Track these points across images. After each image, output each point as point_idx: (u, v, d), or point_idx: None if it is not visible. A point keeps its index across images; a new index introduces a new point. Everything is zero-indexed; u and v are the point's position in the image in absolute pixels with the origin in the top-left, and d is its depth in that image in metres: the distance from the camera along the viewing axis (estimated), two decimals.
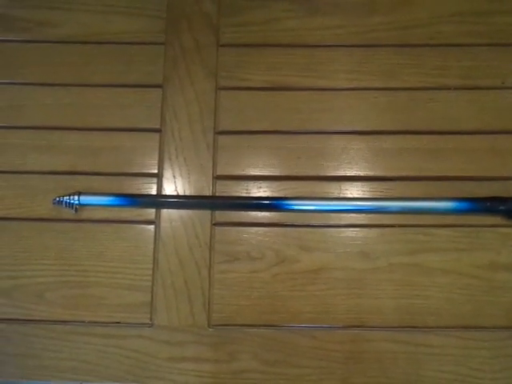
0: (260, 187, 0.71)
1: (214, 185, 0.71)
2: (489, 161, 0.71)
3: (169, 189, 0.71)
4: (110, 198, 0.70)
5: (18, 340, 0.68)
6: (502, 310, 0.67)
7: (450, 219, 0.70)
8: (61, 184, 0.72)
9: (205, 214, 0.70)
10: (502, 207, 0.68)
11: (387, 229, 0.70)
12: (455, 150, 0.71)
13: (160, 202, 0.71)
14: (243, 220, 0.70)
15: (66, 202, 0.69)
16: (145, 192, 0.72)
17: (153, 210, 0.71)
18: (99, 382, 0.67)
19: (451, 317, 0.67)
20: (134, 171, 0.72)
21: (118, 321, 0.69)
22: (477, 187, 0.70)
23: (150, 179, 0.72)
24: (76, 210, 0.70)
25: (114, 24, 0.76)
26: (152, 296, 0.69)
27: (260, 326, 0.68)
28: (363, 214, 0.70)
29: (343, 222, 0.70)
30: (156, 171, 0.72)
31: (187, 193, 0.71)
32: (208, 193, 0.71)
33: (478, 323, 0.67)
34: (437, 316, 0.67)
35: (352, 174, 0.71)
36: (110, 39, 0.76)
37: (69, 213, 0.70)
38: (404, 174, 0.71)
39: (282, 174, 0.72)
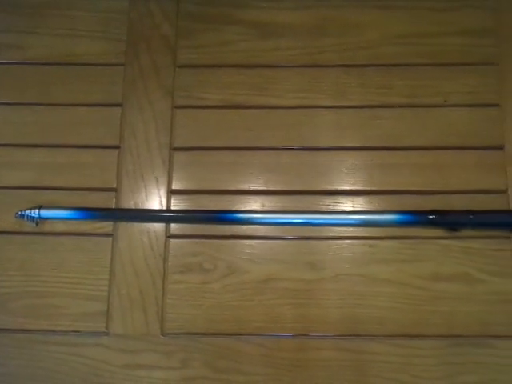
0: (212, 201, 0.75)
1: (168, 199, 0.75)
2: (432, 176, 0.74)
3: (126, 203, 0.75)
4: (70, 212, 0.73)
5: None
6: (442, 319, 0.70)
7: (395, 231, 0.72)
8: (25, 198, 0.75)
9: (160, 227, 0.74)
10: (443, 220, 0.71)
11: (334, 241, 0.73)
12: (400, 165, 0.75)
13: (117, 215, 0.75)
14: (196, 233, 0.74)
15: (27, 215, 0.73)
16: (104, 206, 0.75)
17: (111, 223, 0.74)
18: None
19: (394, 325, 0.70)
20: (94, 186, 0.76)
21: (76, 329, 0.71)
22: (420, 201, 0.73)
23: (108, 193, 0.75)
24: (37, 223, 0.73)
25: (78, 46, 0.80)
26: (108, 305, 0.72)
27: (211, 334, 0.71)
28: (310, 227, 0.73)
29: (292, 235, 0.73)
30: (115, 186, 0.75)
31: (143, 206, 0.75)
32: (163, 206, 0.75)
33: (419, 332, 0.70)
34: (380, 325, 0.70)
35: (301, 188, 0.74)
36: (73, 61, 0.80)
37: (31, 226, 0.73)
38: (351, 188, 0.74)
39: (235, 189, 0.75)
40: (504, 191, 0.73)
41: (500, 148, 0.74)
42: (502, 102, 0.76)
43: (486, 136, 0.75)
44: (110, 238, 0.74)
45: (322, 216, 0.73)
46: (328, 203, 0.74)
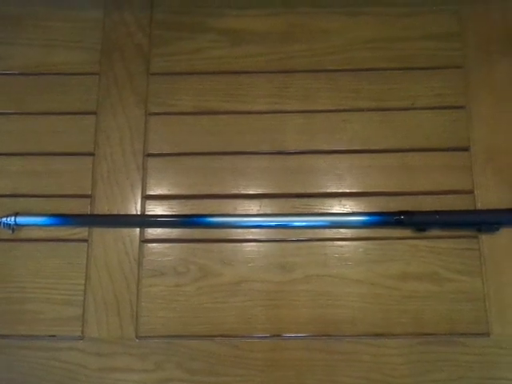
0: (186, 205, 0.76)
1: (142, 204, 0.76)
2: (400, 177, 0.76)
3: (101, 208, 0.76)
4: (46, 219, 0.75)
5: None
6: (411, 318, 0.71)
7: (364, 232, 0.74)
8: (1, 206, 0.77)
9: (134, 232, 0.75)
10: (411, 220, 0.72)
11: (303, 243, 0.74)
12: (369, 167, 0.76)
13: (92, 220, 0.76)
14: (170, 237, 0.75)
15: (3, 222, 0.74)
16: (79, 212, 0.76)
17: (86, 229, 0.76)
18: None
19: (364, 325, 0.71)
20: (69, 193, 0.77)
21: (52, 334, 0.73)
22: (389, 202, 0.75)
23: (84, 200, 0.77)
24: (13, 230, 0.75)
25: (53, 56, 0.82)
26: (84, 310, 0.73)
27: (185, 336, 0.72)
28: (281, 229, 0.74)
29: (262, 237, 0.74)
30: (90, 192, 0.77)
31: (118, 212, 0.76)
32: (138, 212, 0.76)
33: (389, 331, 0.71)
34: (351, 324, 0.71)
35: (272, 191, 0.76)
36: (49, 70, 0.81)
37: (7, 233, 0.75)
38: (320, 190, 0.76)
39: (207, 193, 0.76)
40: (470, 191, 0.74)
41: (466, 149, 0.76)
42: (467, 104, 0.77)
43: (452, 138, 0.76)
44: (86, 244, 0.75)
45: (293, 218, 0.74)
46: (298, 206, 0.75)
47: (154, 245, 0.75)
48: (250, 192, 0.76)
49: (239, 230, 0.75)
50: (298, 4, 0.82)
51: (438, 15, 0.81)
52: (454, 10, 0.81)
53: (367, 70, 0.79)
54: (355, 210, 0.75)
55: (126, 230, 0.75)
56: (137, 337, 0.72)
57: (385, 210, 0.74)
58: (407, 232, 0.73)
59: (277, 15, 0.82)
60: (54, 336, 0.73)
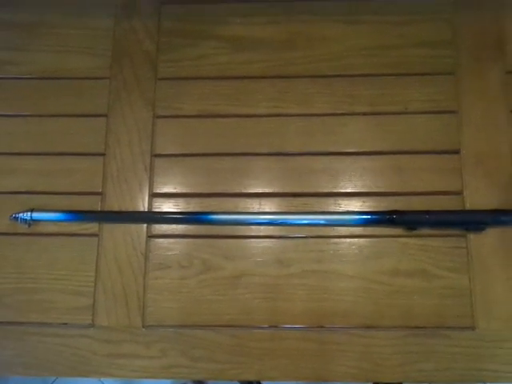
0: (190, 203, 0.81)
1: (150, 201, 0.81)
2: (392, 178, 0.79)
3: (111, 205, 0.81)
4: (59, 214, 0.80)
5: None
6: (400, 312, 0.75)
7: (358, 230, 0.78)
8: (18, 202, 0.82)
9: (141, 228, 0.80)
10: (402, 220, 0.76)
11: (301, 239, 0.78)
12: (363, 168, 0.80)
13: (102, 216, 0.81)
14: (175, 232, 0.80)
15: (20, 218, 0.80)
16: (91, 208, 0.82)
17: (96, 224, 0.81)
18: (48, 375, 0.76)
19: (356, 318, 0.75)
20: (81, 190, 0.82)
21: (64, 322, 0.78)
22: (382, 202, 0.79)
23: (95, 197, 0.82)
24: (29, 225, 0.80)
25: (67, 62, 0.87)
26: (94, 300, 0.78)
27: (188, 326, 0.77)
28: (279, 227, 0.79)
29: (262, 234, 0.79)
30: (100, 190, 0.82)
31: (126, 209, 0.81)
32: (145, 208, 0.81)
33: (380, 323, 0.75)
34: (343, 317, 0.75)
35: (271, 190, 0.80)
36: (63, 75, 0.86)
37: (23, 228, 0.80)
38: (317, 190, 0.80)
39: (210, 192, 0.81)
40: (460, 192, 0.78)
41: (456, 152, 0.79)
42: (458, 109, 0.81)
43: (443, 141, 0.80)
44: (96, 238, 0.80)
45: (291, 216, 0.78)
46: (296, 205, 0.79)
47: (160, 240, 0.80)
48: (251, 191, 0.81)
49: (240, 227, 0.79)
50: (298, 12, 0.86)
51: (432, 23, 0.84)
52: (447, 18, 0.84)
53: (363, 75, 0.83)
54: (350, 209, 0.79)
55: (133, 226, 0.80)
56: (143, 326, 0.77)
57: (378, 210, 0.78)
58: (399, 231, 0.77)
59: (278, 23, 0.86)
60: (65, 324, 0.78)
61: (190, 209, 0.81)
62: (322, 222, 0.78)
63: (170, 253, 0.79)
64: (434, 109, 0.81)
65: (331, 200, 0.79)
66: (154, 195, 0.81)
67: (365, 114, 0.82)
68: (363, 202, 0.79)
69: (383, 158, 0.80)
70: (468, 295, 0.75)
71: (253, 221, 0.79)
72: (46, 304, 0.78)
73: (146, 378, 0.75)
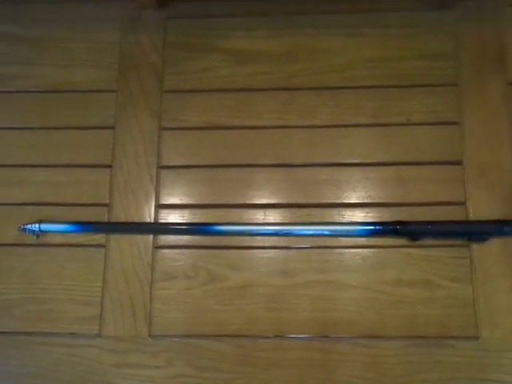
0: (196, 214, 0.82)
1: (156, 213, 0.82)
2: (396, 189, 0.80)
3: (118, 216, 0.82)
4: (67, 226, 0.81)
5: None
6: (404, 322, 0.76)
7: (361, 241, 0.79)
8: (26, 214, 0.83)
9: (148, 238, 0.81)
10: (405, 230, 0.77)
11: (305, 250, 0.79)
12: (367, 179, 0.81)
13: (109, 228, 0.82)
14: (181, 243, 0.81)
15: (29, 229, 0.81)
16: (98, 219, 0.83)
17: (103, 235, 0.82)
18: None
19: (360, 327, 0.76)
20: (88, 202, 0.84)
21: (72, 332, 0.79)
22: (385, 212, 0.80)
23: (102, 208, 0.83)
24: (37, 236, 0.81)
25: (74, 75, 0.89)
26: (101, 310, 0.79)
27: (193, 336, 0.78)
28: (284, 237, 0.80)
29: (266, 244, 0.80)
30: (107, 201, 0.83)
31: (133, 220, 0.82)
32: (151, 220, 0.82)
33: (383, 333, 0.76)
34: (347, 327, 0.76)
35: (275, 201, 0.81)
36: (70, 88, 0.88)
37: (32, 238, 0.82)
38: (320, 201, 0.81)
39: (215, 203, 0.82)
40: (463, 203, 0.79)
41: (459, 163, 0.80)
42: (460, 120, 0.82)
43: (445, 152, 0.81)
44: (103, 249, 0.81)
45: (295, 227, 0.79)
46: (300, 215, 0.80)
47: (166, 251, 0.81)
48: (256, 202, 0.82)
49: (245, 238, 0.80)
50: (300, 26, 0.87)
51: (434, 36, 0.85)
52: (449, 30, 0.85)
53: (366, 87, 0.84)
54: (353, 219, 0.80)
55: (140, 237, 0.81)
56: (150, 336, 0.78)
57: (381, 220, 0.79)
58: (402, 241, 0.78)
59: (281, 36, 0.87)
60: (73, 334, 0.79)
61: (196, 220, 0.82)
62: (325, 232, 0.79)
63: (175, 263, 0.80)
64: (437, 120, 0.82)
65: (335, 211, 0.80)
66: (159, 206, 0.83)
67: (368, 125, 0.83)
68: (367, 212, 0.80)
69: (386, 168, 0.81)
70: (471, 305, 0.75)
71: (257, 231, 0.80)
72: (53, 314, 0.80)
73: None
